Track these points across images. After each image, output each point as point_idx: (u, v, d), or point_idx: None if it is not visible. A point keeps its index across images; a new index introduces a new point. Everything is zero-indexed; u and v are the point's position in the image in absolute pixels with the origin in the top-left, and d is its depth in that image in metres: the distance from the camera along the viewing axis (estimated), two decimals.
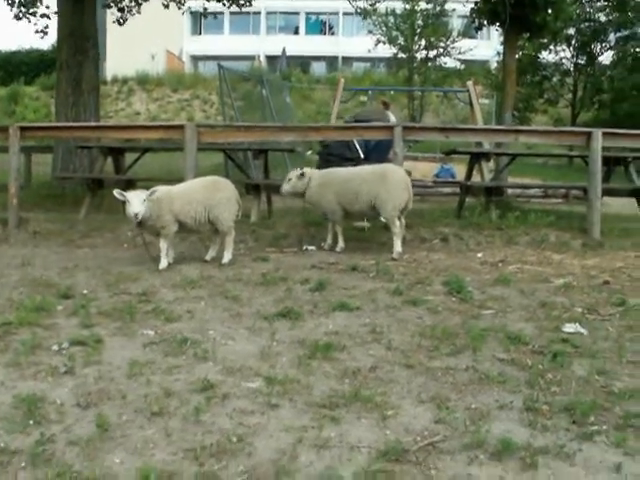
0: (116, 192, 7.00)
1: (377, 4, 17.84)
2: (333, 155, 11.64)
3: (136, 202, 6.98)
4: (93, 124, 11.11)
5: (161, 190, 7.33)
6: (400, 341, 5.00)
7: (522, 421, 3.76)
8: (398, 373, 4.41)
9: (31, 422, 3.70)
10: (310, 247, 8.70)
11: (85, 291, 6.45)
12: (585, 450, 3.45)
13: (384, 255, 8.07)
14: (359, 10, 17.55)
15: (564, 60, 31.07)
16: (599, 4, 29.21)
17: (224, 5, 16.72)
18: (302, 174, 8.50)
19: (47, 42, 53.35)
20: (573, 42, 30.41)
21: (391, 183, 8.11)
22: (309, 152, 18.82)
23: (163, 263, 7.48)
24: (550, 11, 13.49)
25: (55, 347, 4.88)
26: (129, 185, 11.21)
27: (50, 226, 9.86)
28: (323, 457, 3.34)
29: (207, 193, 7.63)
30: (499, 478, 3.17)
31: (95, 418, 3.71)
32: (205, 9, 17.98)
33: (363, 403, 3.92)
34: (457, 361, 4.61)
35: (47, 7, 15.82)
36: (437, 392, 4.10)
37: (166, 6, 17.44)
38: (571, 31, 29.31)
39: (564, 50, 30.61)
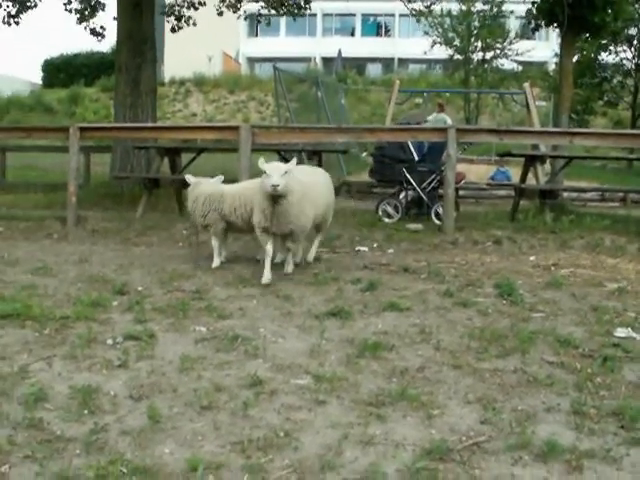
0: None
1: (432, 6, 17.70)
2: (387, 157, 11.67)
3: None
4: (150, 125, 11.34)
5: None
6: (449, 342, 5.01)
7: (569, 424, 3.74)
8: (446, 373, 4.43)
9: (85, 412, 3.83)
10: (362, 248, 8.74)
11: (140, 288, 6.60)
12: (633, 455, 3.42)
13: (436, 257, 8.06)
14: (414, 12, 17.47)
15: (625, 61, 30.40)
16: None
17: (278, 13, 16.88)
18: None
19: (107, 45, 54.52)
20: (634, 42, 29.74)
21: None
22: (364, 154, 18.85)
23: (216, 262, 7.63)
24: (609, 11, 13.25)
25: (110, 341, 5.02)
26: (185, 185, 11.44)
27: (107, 224, 10.10)
28: (368, 453, 3.39)
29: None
30: (543, 479, 3.17)
31: (147, 410, 3.82)
32: (260, 14, 18.17)
33: (409, 402, 3.95)
34: (505, 363, 4.60)
35: (103, 9, 16.24)
36: (484, 393, 4.11)
37: (220, 13, 17.69)
38: (632, 31, 28.69)
39: (625, 51, 29.95)
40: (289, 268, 7.27)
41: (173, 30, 17.39)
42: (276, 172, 6.36)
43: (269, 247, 6.93)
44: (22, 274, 7.14)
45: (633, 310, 5.94)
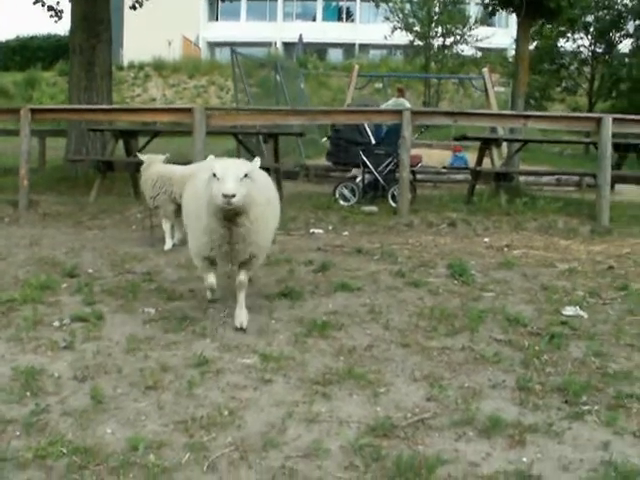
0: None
1: None
2: (344, 140, 11.64)
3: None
4: (103, 107, 11.13)
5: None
6: (398, 321, 5.02)
7: (514, 400, 3.77)
8: (394, 352, 4.43)
9: (28, 393, 3.76)
10: (317, 230, 8.71)
11: (90, 270, 6.50)
12: (575, 429, 3.46)
13: (390, 239, 8.07)
14: None
15: (582, 48, 30.71)
16: None
17: None
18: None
19: (64, 28, 53.51)
20: (591, 30, 30.04)
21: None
22: (324, 139, 18.82)
23: (168, 244, 7.54)
24: None
25: (56, 323, 4.94)
26: (139, 168, 11.29)
27: (60, 208, 9.92)
28: (312, 431, 3.37)
29: None
30: (486, 454, 3.18)
31: (90, 390, 3.77)
32: None
33: (356, 380, 3.95)
34: (454, 341, 4.62)
35: None
36: (431, 371, 4.12)
37: None
38: (589, 19, 28.96)
39: (582, 38, 30.24)
40: (242, 318, 4.94)
41: (133, 8, 16.97)
42: (231, 176, 4.25)
43: (211, 281, 5.02)
44: None
45: (582, 289, 6.01)
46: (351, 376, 3.99)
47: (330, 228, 8.83)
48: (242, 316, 4.90)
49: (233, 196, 4.16)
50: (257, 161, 4.58)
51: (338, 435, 3.33)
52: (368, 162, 11.20)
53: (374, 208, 9.78)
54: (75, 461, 3.06)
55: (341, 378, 3.97)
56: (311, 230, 8.72)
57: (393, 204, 10.36)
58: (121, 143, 11.38)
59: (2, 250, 7.33)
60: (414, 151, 11.19)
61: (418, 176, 12.60)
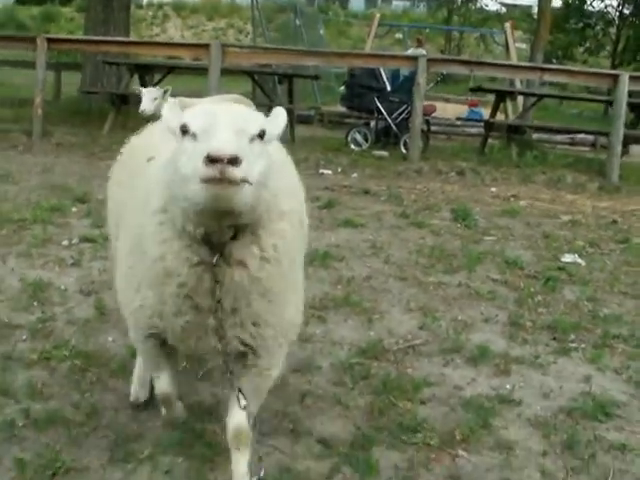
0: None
1: None
2: (359, 85, 11.61)
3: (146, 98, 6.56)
4: (119, 39, 11.11)
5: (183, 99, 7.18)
6: (398, 257, 5.12)
7: (503, 334, 3.89)
8: (391, 284, 4.55)
9: (35, 303, 3.91)
10: (326, 171, 8.76)
11: (100, 197, 6.58)
12: (559, 363, 3.58)
13: (398, 183, 8.12)
14: None
15: (609, 9, 30.16)
16: None
17: None
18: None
19: None
20: None
21: None
22: (342, 87, 18.73)
23: None
24: None
25: (65, 242, 5.07)
26: None
27: (73, 139, 9.99)
28: (305, 349, 3.50)
29: None
30: (471, 379, 3.31)
31: (95, 303, 3.91)
32: None
33: (352, 307, 4.07)
34: (451, 278, 4.72)
35: None
36: (426, 303, 4.24)
37: None
38: None
39: None
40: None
41: None
42: (227, 125, 1.82)
43: (164, 387, 2.50)
44: None
45: (583, 240, 6.08)
46: (347, 303, 4.11)
47: (339, 170, 8.87)
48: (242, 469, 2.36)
49: (234, 160, 1.73)
50: (282, 115, 2.05)
51: (330, 354, 3.46)
52: (382, 108, 11.19)
53: (385, 153, 9.82)
54: (77, 364, 3.22)
55: (338, 304, 4.10)
56: (320, 171, 8.77)
57: (404, 151, 10.38)
58: (136, 78, 11.38)
59: (15, 175, 7.43)
60: (430, 103, 11.17)
61: (432, 128, 12.57)
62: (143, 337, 2.32)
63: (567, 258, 5.41)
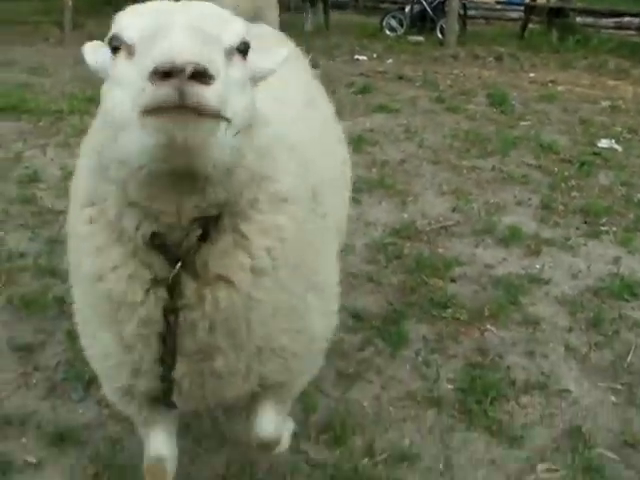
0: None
1: None
2: None
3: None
4: None
5: None
6: (433, 141, 5.12)
7: (535, 216, 3.92)
8: (425, 168, 4.57)
9: None
10: (361, 57, 8.63)
11: None
12: (590, 245, 3.62)
13: (434, 68, 7.98)
14: None
15: None
16: None
17: None
18: None
19: None
20: None
21: None
22: None
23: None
24: None
25: None
26: None
27: (106, 30, 9.82)
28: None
29: None
30: (502, 259, 3.38)
31: None
32: None
33: (386, 190, 4.12)
34: (484, 163, 4.72)
35: None
36: (459, 186, 4.26)
37: None
38: None
39: None
40: None
41: None
42: (185, 25, 1.08)
43: (156, 448, 1.77)
44: (18, 73, 7.13)
45: (621, 125, 5.98)
46: (382, 186, 4.16)
47: (374, 56, 8.73)
48: None
49: (201, 73, 0.99)
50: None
51: (364, 235, 3.54)
52: None
53: (420, 38, 9.62)
54: None
55: (371, 187, 4.14)
56: (355, 56, 8.64)
57: (440, 36, 10.14)
58: None
59: (49, 68, 7.46)
60: None
61: (470, 12, 12.19)
62: (121, 394, 1.60)
63: (603, 143, 5.35)
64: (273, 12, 2.78)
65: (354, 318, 2.80)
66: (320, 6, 11.41)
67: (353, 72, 7.67)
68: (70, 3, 9.75)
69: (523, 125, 5.74)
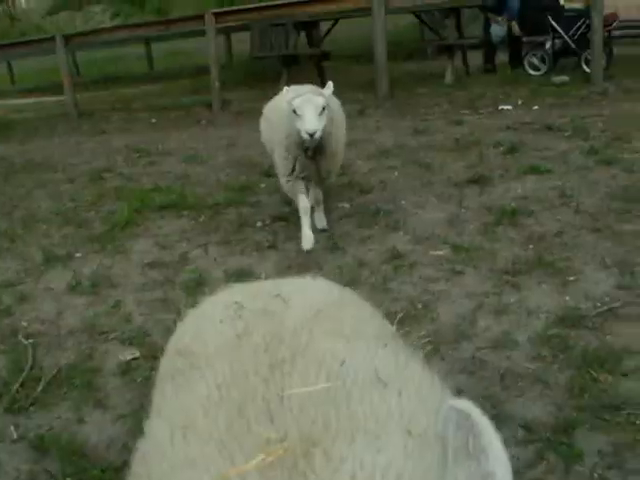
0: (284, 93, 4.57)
1: None
2: (531, 7, 10.99)
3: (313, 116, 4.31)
4: (281, 2, 11.28)
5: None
6: (589, 204, 4.94)
7: None
8: (584, 238, 4.42)
9: None
10: (506, 107, 8.52)
11: None
12: None
13: (582, 110, 7.74)
14: None
15: None
16: None
17: None
18: None
19: None
20: None
21: None
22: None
23: None
24: None
25: (259, 224, 5.36)
26: (324, 58, 11.47)
27: (251, 105, 10.36)
28: (501, 322, 3.54)
29: None
30: None
31: None
32: None
33: (545, 269, 4.02)
34: None
35: None
36: (623, 257, 4.08)
37: None
38: None
39: None
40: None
41: None
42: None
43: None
44: (176, 163, 7.61)
45: None
46: (540, 265, 4.07)
47: (519, 103, 8.59)
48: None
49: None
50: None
51: (526, 326, 3.47)
52: (557, 26, 10.62)
53: (565, 78, 9.35)
54: None
55: (530, 267, 4.06)
56: (499, 107, 8.54)
57: (587, 70, 9.83)
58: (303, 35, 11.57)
59: (203, 154, 7.90)
60: (609, 3, 10.42)
61: (615, 32, 11.73)
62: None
63: None
64: None
65: (523, 429, 2.74)
66: (459, 55, 11.41)
67: (500, 126, 7.57)
68: (217, 84, 10.32)
69: None
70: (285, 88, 4.70)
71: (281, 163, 4.79)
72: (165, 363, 1.45)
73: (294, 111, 4.23)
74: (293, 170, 4.71)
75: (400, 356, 1.23)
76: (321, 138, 4.27)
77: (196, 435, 1.04)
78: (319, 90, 4.46)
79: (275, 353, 1.17)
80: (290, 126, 4.40)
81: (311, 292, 1.50)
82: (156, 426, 1.20)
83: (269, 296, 1.44)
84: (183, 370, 1.28)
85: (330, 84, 4.52)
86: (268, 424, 1.00)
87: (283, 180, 4.83)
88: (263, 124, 5.47)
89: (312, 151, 4.52)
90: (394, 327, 1.61)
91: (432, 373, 1.27)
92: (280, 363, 1.13)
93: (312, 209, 4.97)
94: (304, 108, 4.19)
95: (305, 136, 4.19)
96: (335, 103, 4.85)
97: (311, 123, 4.16)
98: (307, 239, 4.74)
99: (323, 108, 4.22)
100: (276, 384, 1.08)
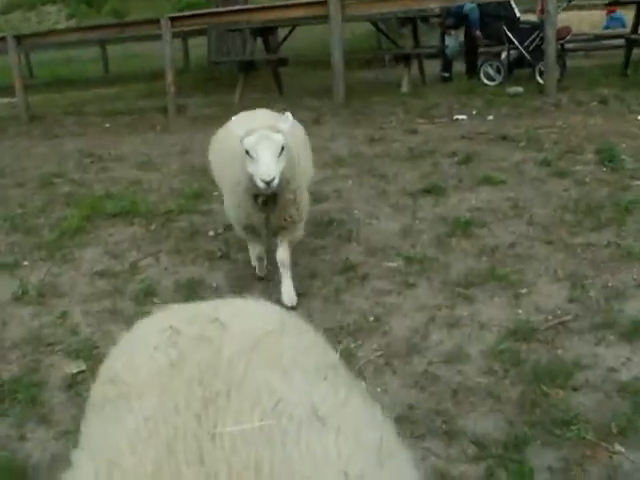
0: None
1: None
2: (487, 15, 11.13)
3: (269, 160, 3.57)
4: (238, 7, 11.20)
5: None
6: (542, 216, 4.96)
7: None
8: (537, 250, 4.43)
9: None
10: (461, 116, 8.55)
11: None
12: None
13: (536, 121, 7.80)
14: None
15: None
16: None
17: None
18: None
19: None
20: None
21: None
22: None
23: None
24: None
25: (211, 233, 5.27)
26: (281, 64, 11.40)
27: (207, 111, 10.29)
28: (453, 336, 3.52)
29: None
30: (626, 359, 3.19)
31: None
32: None
33: (498, 282, 4.02)
34: (599, 237, 4.52)
35: None
36: (574, 270, 4.10)
37: None
38: None
39: None
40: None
41: None
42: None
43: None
44: (128, 169, 7.47)
45: None
46: (493, 278, 4.06)
47: (474, 113, 8.63)
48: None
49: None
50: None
51: (478, 340, 3.45)
52: (512, 37, 10.72)
53: (520, 89, 9.42)
54: None
55: (483, 280, 4.05)
56: (454, 116, 8.56)
57: (540, 81, 9.91)
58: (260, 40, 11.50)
59: (157, 160, 7.77)
60: (566, 17, 10.56)
61: (568, 45, 11.89)
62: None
63: None
64: None
65: (475, 445, 2.72)
66: (415, 64, 11.46)
67: (455, 135, 7.58)
68: (173, 89, 10.18)
69: (637, 185, 5.46)
70: (233, 118, 3.93)
71: (233, 212, 4.10)
72: (96, 391, 1.37)
73: (247, 152, 3.44)
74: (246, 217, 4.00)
75: (340, 390, 1.17)
76: (280, 188, 3.55)
77: (122, 475, 0.97)
78: (276, 123, 3.59)
79: (209, 386, 1.10)
80: (241, 171, 3.60)
81: (251, 318, 1.43)
82: (82, 459, 1.13)
83: (207, 320, 1.36)
84: (113, 400, 1.21)
85: (289, 115, 3.66)
86: (198, 466, 0.93)
87: (235, 227, 4.27)
88: (212, 156, 4.56)
89: (263, 200, 3.75)
90: (337, 354, 1.54)
91: (373, 405, 1.22)
92: (214, 397, 1.07)
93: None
94: (259, 149, 3.39)
95: (261, 185, 3.40)
96: (298, 129, 4.19)
97: (268, 168, 3.36)
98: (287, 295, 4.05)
99: (282, 148, 3.43)
100: (208, 420, 1.01)
